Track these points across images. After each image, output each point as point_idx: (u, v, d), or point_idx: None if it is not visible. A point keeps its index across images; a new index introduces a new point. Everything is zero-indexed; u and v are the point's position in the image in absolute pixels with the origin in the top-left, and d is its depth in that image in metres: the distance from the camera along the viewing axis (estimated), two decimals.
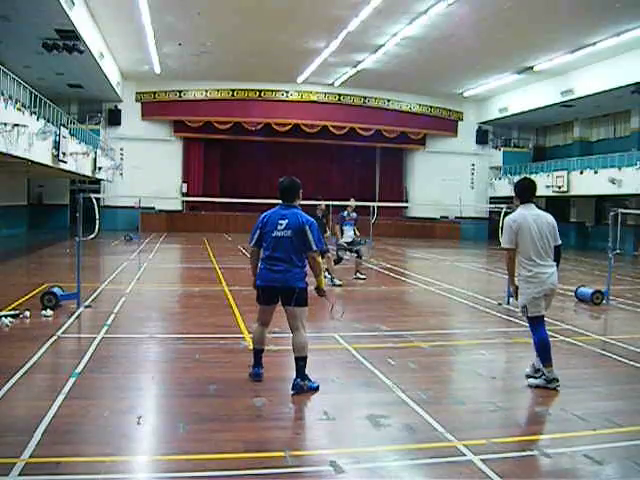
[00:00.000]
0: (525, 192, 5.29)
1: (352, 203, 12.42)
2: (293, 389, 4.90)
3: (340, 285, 11.11)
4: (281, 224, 4.97)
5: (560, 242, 5.27)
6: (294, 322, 5.02)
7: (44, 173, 20.59)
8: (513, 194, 5.41)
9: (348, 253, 12.32)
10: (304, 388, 4.91)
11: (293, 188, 5.12)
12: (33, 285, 9.73)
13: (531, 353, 6.70)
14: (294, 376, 4.95)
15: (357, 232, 12.24)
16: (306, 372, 4.97)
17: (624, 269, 15.90)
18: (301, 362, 4.97)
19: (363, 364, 5.79)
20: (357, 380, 5.32)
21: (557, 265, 5.26)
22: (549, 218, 5.23)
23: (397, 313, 9.02)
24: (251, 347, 6.32)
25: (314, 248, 4.95)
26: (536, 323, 5.28)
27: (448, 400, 4.97)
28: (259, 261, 5.14)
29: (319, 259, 5.13)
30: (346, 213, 12.16)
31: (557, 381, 5.14)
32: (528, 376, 5.37)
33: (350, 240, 12.03)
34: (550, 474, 3.61)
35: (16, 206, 23.88)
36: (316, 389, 4.98)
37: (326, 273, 11.28)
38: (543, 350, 5.19)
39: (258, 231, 5.09)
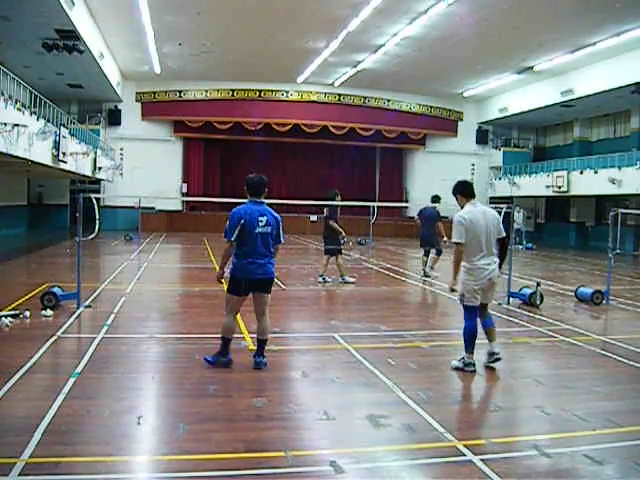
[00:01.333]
0: (470, 190, 5.79)
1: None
2: (257, 365, 5.47)
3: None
4: (262, 221, 5.38)
5: (504, 234, 5.71)
6: (264, 308, 5.55)
7: (44, 173, 20.59)
8: (454, 195, 5.88)
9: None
10: (264, 364, 5.50)
11: (262, 184, 5.55)
12: (33, 285, 9.72)
13: (531, 353, 6.72)
14: (259, 358, 5.52)
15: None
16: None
17: (624, 269, 15.89)
18: (264, 344, 5.60)
19: (363, 364, 5.78)
20: (357, 380, 5.31)
21: (503, 258, 5.72)
22: (494, 213, 5.78)
23: (397, 313, 9.02)
24: (251, 347, 6.34)
25: (282, 241, 5.58)
26: (468, 312, 5.68)
27: (448, 400, 4.97)
28: (240, 256, 5.39)
29: (279, 250, 5.69)
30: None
31: (473, 366, 5.60)
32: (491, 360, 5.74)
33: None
34: (550, 474, 3.61)
35: (16, 206, 23.88)
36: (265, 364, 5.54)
37: (340, 278, 11.39)
38: (468, 338, 5.62)
39: (239, 227, 5.33)
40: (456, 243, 5.56)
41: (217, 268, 5.74)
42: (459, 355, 5.77)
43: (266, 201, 5.63)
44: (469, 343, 5.61)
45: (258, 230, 5.33)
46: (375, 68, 23.34)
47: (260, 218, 5.36)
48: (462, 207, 5.73)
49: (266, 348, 5.67)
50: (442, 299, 10.34)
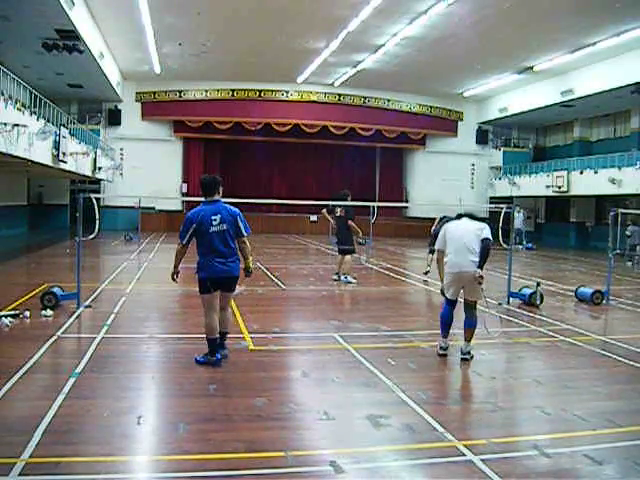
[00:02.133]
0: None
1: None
2: (221, 358, 5.57)
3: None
4: (215, 220, 5.45)
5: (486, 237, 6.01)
6: (227, 302, 5.77)
7: (44, 173, 20.58)
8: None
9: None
10: (222, 355, 5.61)
11: (214, 183, 5.64)
12: (33, 285, 9.72)
13: (531, 353, 6.72)
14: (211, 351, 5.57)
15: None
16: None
17: (624, 269, 15.89)
18: (225, 336, 5.78)
19: (363, 364, 5.79)
20: (357, 380, 5.32)
21: (481, 258, 5.93)
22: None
23: (397, 313, 9.02)
24: (251, 347, 6.34)
25: (244, 234, 5.57)
26: (445, 302, 6.30)
27: (448, 400, 4.97)
28: (200, 256, 5.53)
29: (248, 243, 5.67)
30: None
31: (441, 349, 6.16)
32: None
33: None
34: (550, 474, 3.61)
35: (16, 206, 23.88)
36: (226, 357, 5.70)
37: (343, 277, 11.51)
38: (442, 324, 6.20)
39: (191, 230, 5.45)
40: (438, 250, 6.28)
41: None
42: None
43: (223, 199, 5.71)
44: (442, 329, 6.21)
45: (212, 230, 5.42)
46: (375, 68, 23.33)
47: (213, 217, 5.44)
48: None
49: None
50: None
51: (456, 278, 6.03)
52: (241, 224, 5.55)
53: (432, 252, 12.75)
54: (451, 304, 6.20)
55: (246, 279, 6.06)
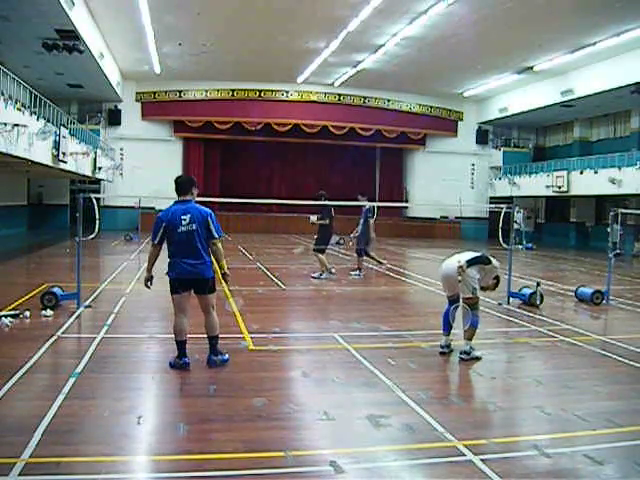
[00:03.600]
0: None
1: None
2: (208, 364, 5.47)
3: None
4: (184, 219, 5.35)
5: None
6: (207, 307, 5.54)
7: (44, 173, 20.58)
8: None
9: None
10: (217, 363, 5.48)
11: (188, 182, 5.62)
12: (33, 285, 9.71)
13: (531, 353, 6.72)
14: (209, 355, 5.55)
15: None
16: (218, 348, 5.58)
17: (624, 269, 15.89)
18: (213, 340, 5.56)
19: (363, 364, 5.78)
20: (357, 380, 5.31)
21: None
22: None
23: (397, 313, 9.02)
24: (251, 347, 6.34)
25: (215, 236, 5.41)
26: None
27: (448, 400, 4.97)
28: (169, 256, 5.45)
29: (219, 245, 5.50)
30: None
31: (441, 347, 6.28)
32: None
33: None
34: (550, 474, 3.61)
35: (16, 206, 23.88)
36: (227, 360, 5.57)
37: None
38: (442, 322, 6.37)
39: (161, 230, 5.41)
40: None
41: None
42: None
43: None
44: (443, 325, 6.35)
45: (181, 229, 5.33)
46: (375, 68, 23.33)
47: (183, 217, 5.35)
48: None
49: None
50: (442, 299, 10.30)
51: (443, 279, 6.46)
52: (212, 226, 5.39)
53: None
54: (450, 303, 6.38)
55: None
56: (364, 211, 12.63)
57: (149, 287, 5.64)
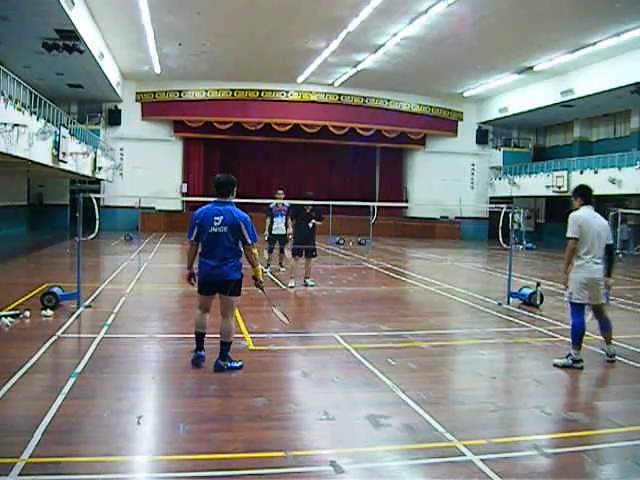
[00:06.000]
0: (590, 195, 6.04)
1: (281, 194, 12.68)
2: (215, 367, 5.34)
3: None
4: (217, 220, 5.30)
5: (612, 242, 6.03)
6: (226, 310, 5.43)
7: (44, 173, 20.57)
8: (574, 196, 6.07)
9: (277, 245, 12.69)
10: (224, 367, 5.34)
11: (228, 184, 5.48)
12: (33, 285, 9.72)
13: (531, 353, 6.72)
14: (217, 359, 5.39)
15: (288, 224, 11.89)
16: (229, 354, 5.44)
17: (624, 269, 15.89)
18: (225, 346, 5.43)
19: (363, 364, 5.78)
20: (357, 380, 5.31)
21: (611, 263, 6.08)
22: (604, 221, 6.04)
23: (397, 313, 9.01)
24: (251, 347, 6.35)
25: (249, 242, 5.31)
26: (575, 309, 5.95)
27: (448, 400, 4.97)
28: (200, 255, 5.43)
29: (255, 251, 5.40)
30: (274, 204, 12.25)
31: (581, 362, 5.78)
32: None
33: (281, 233, 12.26)
34: (550, 474, 3.61)
35: (16, 206, 23.87)
36: (239, 367, 5.41)
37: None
38: (575, 334, 5.86)
39: (196, 227, 5.38)
40: (570, 238, 5.81)
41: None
42: (564, 353, 6.03)
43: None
44: (576, 339, 5.83)
45: (212, 230, 5.29)
46: (375, 68, 23.32)
47: (216, 218, 5.30)
48: (577, 209, 5.98)
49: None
50: (442, 299, 10.34)
51: (591, 283, 5.94)
52: (245, 231, 5.29)
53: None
54: (583, 309, 6.04)
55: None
56: (286, 209, 12.08)
57: (193, 284, 5.61)
